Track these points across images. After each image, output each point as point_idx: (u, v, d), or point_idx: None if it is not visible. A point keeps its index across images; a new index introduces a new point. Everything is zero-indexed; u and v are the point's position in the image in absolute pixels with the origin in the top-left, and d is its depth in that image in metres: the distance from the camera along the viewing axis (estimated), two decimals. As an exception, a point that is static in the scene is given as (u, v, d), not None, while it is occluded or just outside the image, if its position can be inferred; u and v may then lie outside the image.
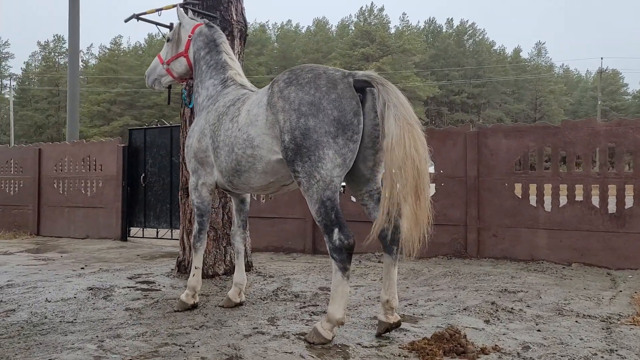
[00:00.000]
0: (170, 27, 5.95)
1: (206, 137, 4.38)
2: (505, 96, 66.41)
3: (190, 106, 5.20)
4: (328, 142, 3.39)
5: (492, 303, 4.66)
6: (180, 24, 5.08)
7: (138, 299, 5.09)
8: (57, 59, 67.56)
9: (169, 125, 10.31)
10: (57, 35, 67.63)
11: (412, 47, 60.31)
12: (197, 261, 4.71)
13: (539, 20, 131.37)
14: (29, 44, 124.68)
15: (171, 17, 5.48)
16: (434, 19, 74.22)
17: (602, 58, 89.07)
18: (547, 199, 6.56)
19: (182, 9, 5.19)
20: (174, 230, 9.90)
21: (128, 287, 5.59)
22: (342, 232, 3.42)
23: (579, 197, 6.37)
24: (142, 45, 73.88)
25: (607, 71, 67.01)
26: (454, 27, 71.76)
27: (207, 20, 5.12)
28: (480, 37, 70.03)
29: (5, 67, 69.63)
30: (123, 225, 10.37)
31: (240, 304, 4.74)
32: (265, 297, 5.07)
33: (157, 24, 5.91)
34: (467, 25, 70.57)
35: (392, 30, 66.01)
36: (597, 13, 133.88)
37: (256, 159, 3.86)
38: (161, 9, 5.49)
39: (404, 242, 3.34)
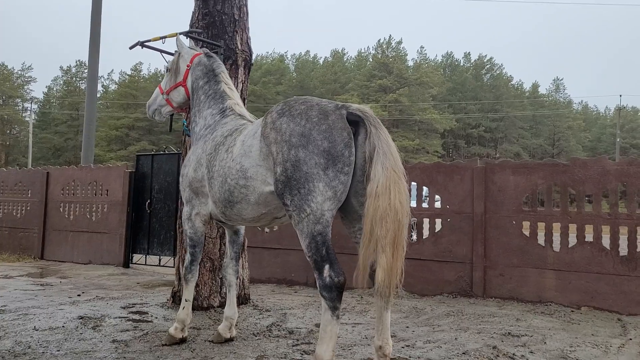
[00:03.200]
0: (175, 54, 5.96)
1: (202, 167, 4.29)
2: (523, 131, 65.99)
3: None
4: (318, 174, 3.28)
5: (494, 347, 4.44)
6: (179, 53, 5.05)
7: (127, 330, 4.95)
8: (78, 84, 68.91)
9: (176, 151, 10.29)
10: (79, 60, 69.18)
11: (430, 80, 60.54)
12: (188, 294, 4.58)
13: (557, 56, 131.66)
14: (52, 68, 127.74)
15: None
16: (452, 53, 74.64)
17: (620, 95, 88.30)
18: (556, 239, 6.32)
19: (181, 38, 5.16)
20: (177, 258, 9.77)
21: (119, 317, 5.46)
22: (333, 269, 3.27)
23: (588, 238, 6.13)
24: (162, 72, 75.15)
25: (626, 108, 66.40)
26: (472, 61, 72.04)
27: (206, 50, 5.09)
28: (498, 72, 70.10)
29: (27, 91, 71.09)
30: (126, 252, 10.27)
31: (231, 339, 4.58)
32: (258, 333, 4.89)
33: (161, 51, 5.92)
34: (485, 60, 70.78)
35: (410, 63, 66.45)
36: (616, 50, 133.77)
37: (249, 190, 3.76)
38: (165, 37, 5.49)
39: (377, 292, 3.17)
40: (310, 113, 3.43)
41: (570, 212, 6.30)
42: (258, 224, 4.18)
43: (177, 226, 6.13)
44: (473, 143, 65.74)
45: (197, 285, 5.76)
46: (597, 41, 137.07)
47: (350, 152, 3.34)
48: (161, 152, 10.47)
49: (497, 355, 4.23)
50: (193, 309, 5.66)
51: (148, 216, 10.12)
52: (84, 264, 10.58)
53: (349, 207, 3.57)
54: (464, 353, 4.30)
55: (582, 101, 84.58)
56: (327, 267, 3.29)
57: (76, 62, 69.60)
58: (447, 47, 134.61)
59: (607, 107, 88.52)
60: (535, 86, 72.85)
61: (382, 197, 3.18)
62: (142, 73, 72.35)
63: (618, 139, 50.55)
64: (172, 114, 5.45)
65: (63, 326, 5.02)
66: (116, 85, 70.62)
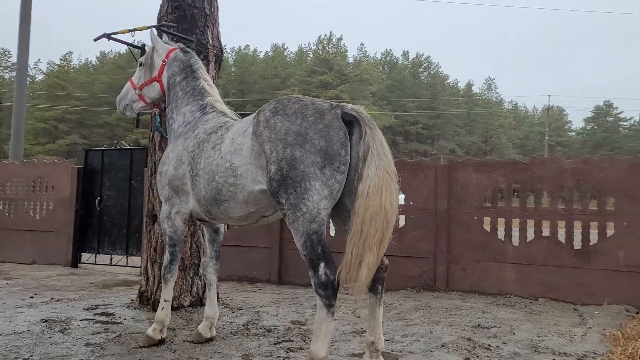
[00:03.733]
0: (142, 48, 5.78)
1: (183, 165, 4.21)
2: (458, 128, 68.16)
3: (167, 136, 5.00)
4: (315, 172, 3.30)
5: (469, 339, 4.62)
6: (153, 48, 4.91)
7: (98, 332, 4.78)
8: (1, 73, 65.03)
9: (128, 147, 9.98)
10: (2, 49, 65.21)
11: (370, 77, 61.46)
12: (167, 294, 4.49)
13: (490, 56, 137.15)
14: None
15: (142, 36, 5.32)
16: (391, 51, 75.98)
17: (549, 95, 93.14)
18: (515, 234, 6.63)
19: (155, 32, 5.03)
20: (129, 257, 9.49)
21: (86, 320, 5.26)
22: (329, 267, 3.30)
23: (545, 233, 6.47)
24: (94, 63, 72.31)
25: (553, 108, 70.01)
26: (410, 60, 73.65)
27: (181, 45, 4.98)
28: (434, 70, 72.05)
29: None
30: (74, 251, 9.84)
31: (211, 339, 4.52)
32: (235, 332, 4.85)
33: (128, 44, 5.75)
34: (422, 58, 72.56)
35: (350, 60, 67.12)
36: (542, 53, 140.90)
37: (238, 189, 3.72)
38: (134, 30, 5.32)
39: (357, 288, 3.22)
40: (305, 112, 3.44)
41: (528, 209, 6.63)
42: (244, 223, 4.14)
43: (145, 225, 5.96)
44: (411, 140, 67.26)
45: (166, 285, 5.64)
46: (526, 43, 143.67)
47: (346, 151, 3.39)
48: (112, 148, 10.11)
49: (474, 347, 4.40)
50: (162, 309, 5.57)
51: (98, 214, 9.76)
52: (28, 264, 10.05)
53: (341, 206, 3.60)
54: (442, 345, 4.44)
55: (512, 100, 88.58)
56: (322, 265, 3.32)
57: (-1, 49, 65.51)
58: (386, 44, 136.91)
59: (535, 106, 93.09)
60: (469, 85, 75.45)
61: (374, 197, 3.25)
62: (72, 63, 69.30)
63: (546, 137, 53.23)
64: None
65: (28, 330, 4.79)
66: (44, 76, 67.21)
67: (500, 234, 6.71)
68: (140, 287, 5.94)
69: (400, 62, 74.16)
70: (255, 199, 3.72)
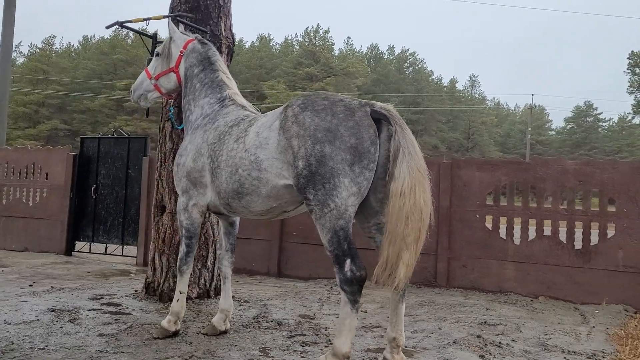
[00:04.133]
0: (154, 37, 5.74)
1: (203, 157, 4.20)
2: (441, 124, 68.66)
3: (180, 127, 4.97)
4: (344, 169, 3.33)
5: (478, 336, 4.69)
6: (170, 38, 4.86)
7: (109, 323, 4.76)
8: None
9: (126, 135, 9.88)
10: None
11: (355, 70, 61.51)
12: (182, 285, 4.50)
13: (474, 54, 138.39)
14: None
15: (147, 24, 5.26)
16: (377, 45, 76.18)
17: (532, 95, 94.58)
18: (517, 232, 6.74)
19: (173, 22, 4.98)
20: (125, 247, 9.42)
21: (94, 310, 5.23)
22: (354, 264, 3.34)
23: (547, 232, 6.59)
24: (76, 48, 71.14)
25: (534, 107, 70.85)
26: (395, 54, 73.88)
27: (199, 36, 4.95)
28: (419, 66, 72.40)
29: None
30: (68, 239, 9.74)
31: (225, 331, 4.53)
32: (247, 325, 4.88)
33: (140, 33, 5.70)
34: (407, 54, 72.81)
35: (336, 53, 67.05)
36: (526, 52, 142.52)
37: (262, 182, 3.73)
38: (149, 19, 5.28)
39: (398, 287, 3.31)
40: (335, 109, 3.46)
41: (530, 208, 6.73)
42: (264, 217, 4.15)
43: (153, 216, 5.92)
44: (395, 134, 67.48)
45: (174, 277, 5.62)
46: (510, 43, 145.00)
47: (376, 149, 3.42)
48: (109, 136, 10.00)
49: (485, 344, 4.48)
50: (169, 301, 5.55)
51: (93, 202, 9.65)
52: (19, 251, 9.93)
53: (366, 203, 3.63)
54: (454, 342, 4.51)
55: (494, 98, 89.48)
56: (348, 261, 3.35)
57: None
58: (372, 39, 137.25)
59: (516, 104, 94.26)
60: (453, 82, 76.04)
61: (408, 196, 3.30)
62: (54, 47, 68.10)
63: (529, 136, 53.87)
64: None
65: (37, 320, 4.75)
66: (25, 59, 65.93)
67: (502, 232, 6.82)
68: (147, 278, 5.91)
69: (385, 57, 74.35)
70: (278, 194, 3.73)
